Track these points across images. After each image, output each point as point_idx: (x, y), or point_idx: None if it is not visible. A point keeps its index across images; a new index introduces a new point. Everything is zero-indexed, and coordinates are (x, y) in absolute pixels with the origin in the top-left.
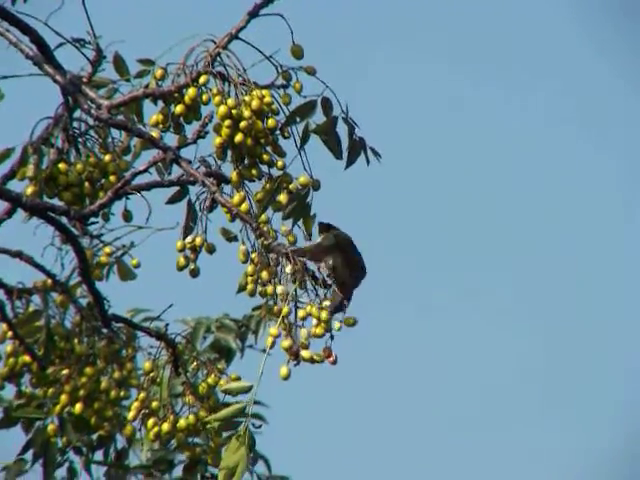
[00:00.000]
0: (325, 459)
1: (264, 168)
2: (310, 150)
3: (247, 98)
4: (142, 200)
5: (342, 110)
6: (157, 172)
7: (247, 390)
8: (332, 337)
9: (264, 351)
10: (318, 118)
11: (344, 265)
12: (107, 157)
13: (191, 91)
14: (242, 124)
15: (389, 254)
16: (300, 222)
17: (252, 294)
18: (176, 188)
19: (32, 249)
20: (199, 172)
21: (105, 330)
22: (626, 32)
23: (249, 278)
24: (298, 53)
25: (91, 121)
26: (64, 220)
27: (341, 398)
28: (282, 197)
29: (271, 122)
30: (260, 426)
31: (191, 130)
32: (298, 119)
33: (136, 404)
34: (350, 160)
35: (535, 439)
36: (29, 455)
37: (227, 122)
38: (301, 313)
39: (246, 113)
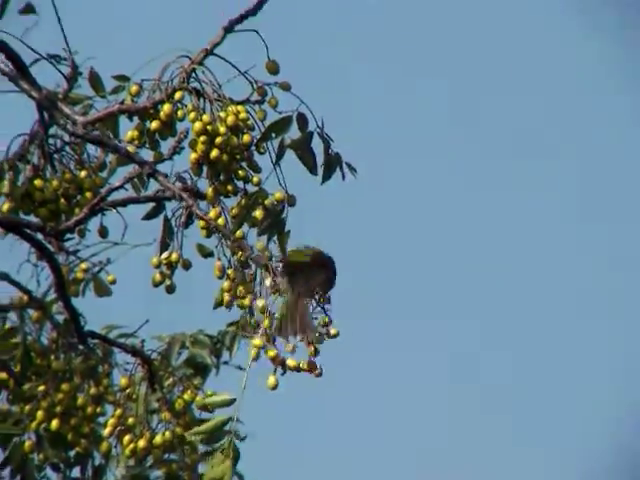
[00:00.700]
0: (306, 473)
1: (240, 184)
2: (286, 166)
3: (222, 114)
4: (118, 216)
5: (317, 125)
6: (133, 188)
7: (229, 403)
8: (317, 351)
9: (240, 367)
10: (294, 134)
11: (309, 281)
12: (83, 173)
13: (166, 107)
14: (218, 140)
15: (365, 270)
16: (275, 238)
17: (229, 306)
18: (152, 204)
19: (8, 266)
20: (175, 187)
21: (81, 346)
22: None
23: (225, 293)
24: (273, 69)
25: (67, 137)
26: (40, 237)
27: (326, 409)
28: (258, 213)
29: (246, 138)
30: (245, 438)
31: (167, 146)
32: (274, 135)
33: (112, 420)
34: (326, 175)
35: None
36: (7, 472)
37: (202, 138)
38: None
39: (222, 129)
